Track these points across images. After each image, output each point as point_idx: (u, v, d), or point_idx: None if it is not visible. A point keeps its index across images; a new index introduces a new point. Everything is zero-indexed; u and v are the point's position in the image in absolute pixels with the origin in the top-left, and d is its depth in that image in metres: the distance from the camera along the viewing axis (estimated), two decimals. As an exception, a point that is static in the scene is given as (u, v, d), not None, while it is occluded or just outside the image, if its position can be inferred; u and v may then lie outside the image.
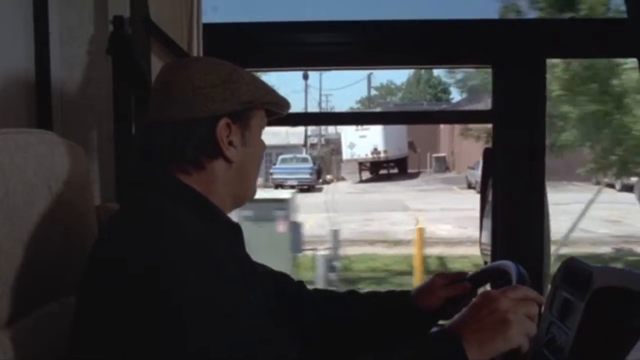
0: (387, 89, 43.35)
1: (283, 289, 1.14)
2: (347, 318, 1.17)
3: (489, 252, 1.72)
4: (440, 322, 1.19)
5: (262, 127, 1.03)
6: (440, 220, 11.53)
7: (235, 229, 1.02)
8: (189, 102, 0.94)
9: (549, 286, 1.35)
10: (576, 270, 1.26)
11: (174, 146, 0.94)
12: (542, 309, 1.20)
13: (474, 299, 0.90)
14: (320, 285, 6.11)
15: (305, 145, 23.93)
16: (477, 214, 1.81)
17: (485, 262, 1.75)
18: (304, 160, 19.85)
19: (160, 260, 0.80)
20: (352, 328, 1.16)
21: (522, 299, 0.89)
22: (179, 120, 0.94)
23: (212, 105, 0.94)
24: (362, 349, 1.15)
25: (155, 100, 0.97)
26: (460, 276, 1.19)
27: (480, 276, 1.19)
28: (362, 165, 21.47)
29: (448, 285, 1.17)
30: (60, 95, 1.57)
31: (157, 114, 0.96)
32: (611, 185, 12.20)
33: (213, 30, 1.57)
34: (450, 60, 1.81)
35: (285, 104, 1.06)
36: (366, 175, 21.62)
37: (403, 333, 1.16)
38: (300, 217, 7.50)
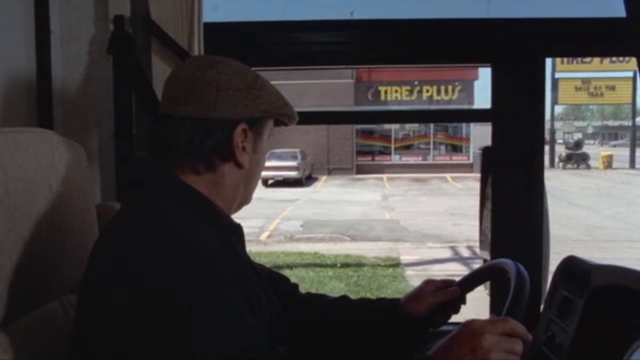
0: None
1: (279, 289, 1.14)
2: (337, 323, 1.16)
3: (488, 250, 1.73)
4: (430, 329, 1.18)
5: (270, 135, 1.04)
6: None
7: (237, 230, 1.02)
8: (211, 101, 0.93)
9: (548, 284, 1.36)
10: (575, 268, 1.27)
11: (192, 143, 0.93)
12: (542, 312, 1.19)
13: (459, 327, 0.87)
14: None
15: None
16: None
17: (485, 260, 1.75)
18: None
19: (161, 263, 0.80)
20: (341, 333, 1.16)
21: (509, 334, 0.86)
22: (199, 117, 0.93)
23: (233, 108, 0.94)
24: (350, 354, 1.16)
25: (177, 93, 0.96)
26: (449, 282, 1.18)
27: (471, 280, 1.18)
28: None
29: (437, 292, 1.16)
30: (60, 94, 1.57)
31: (177, 108, 0.95)
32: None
33: (213, 30, 1.57)
34: (449, 58, 1.81)
35: (296, 117, 1.06)
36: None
37: (392, 340, 1.16)
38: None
